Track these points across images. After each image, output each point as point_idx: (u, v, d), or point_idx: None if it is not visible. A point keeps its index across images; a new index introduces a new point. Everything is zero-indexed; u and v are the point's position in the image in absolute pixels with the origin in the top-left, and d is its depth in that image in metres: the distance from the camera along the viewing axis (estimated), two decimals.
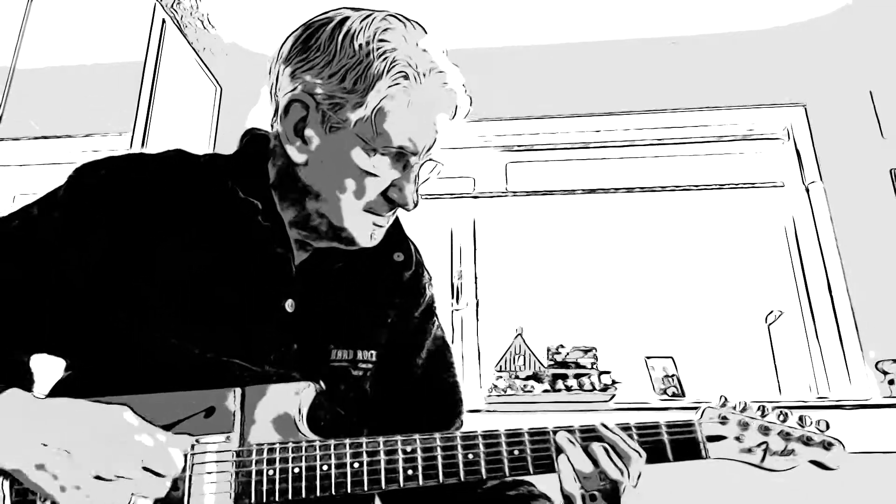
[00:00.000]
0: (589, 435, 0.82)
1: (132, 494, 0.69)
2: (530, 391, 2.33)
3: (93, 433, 0.69)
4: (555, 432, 0.82)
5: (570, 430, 0.82)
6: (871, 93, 2.62)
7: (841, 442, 0.85)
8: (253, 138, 0.95)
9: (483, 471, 0.79)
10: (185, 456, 0.76)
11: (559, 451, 0.81)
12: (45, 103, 2.26)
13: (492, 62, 2.80)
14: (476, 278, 2.72)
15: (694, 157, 2.84)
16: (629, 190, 2.81)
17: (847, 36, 2.65)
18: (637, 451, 0.81)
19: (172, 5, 2.54)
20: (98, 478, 0.68)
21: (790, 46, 2.71)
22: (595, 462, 0.80)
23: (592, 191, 2.82)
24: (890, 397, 2.22)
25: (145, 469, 0.70)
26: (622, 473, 0.79)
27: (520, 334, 2.45)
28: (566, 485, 0.80)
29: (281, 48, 0.89)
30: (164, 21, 2.47)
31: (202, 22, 2.68)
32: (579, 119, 2.82)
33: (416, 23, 0.88)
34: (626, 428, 0.84)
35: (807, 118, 2.68)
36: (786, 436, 0.85)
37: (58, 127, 2.30)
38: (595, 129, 2.84)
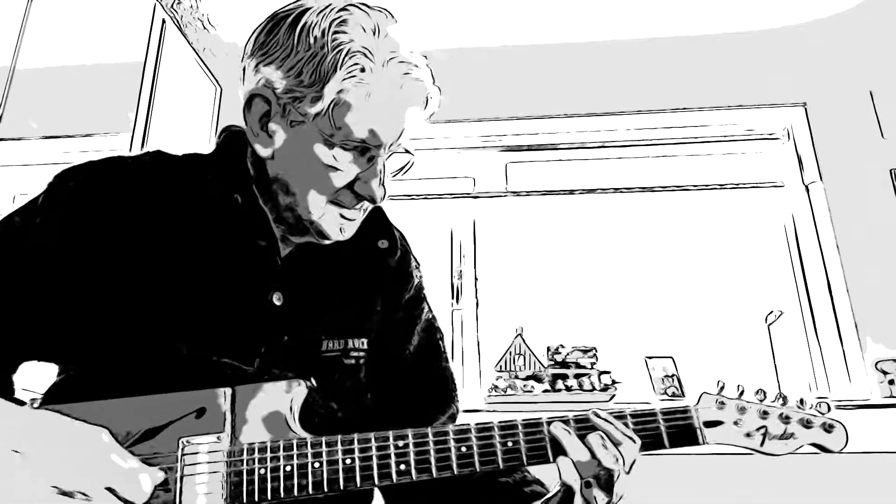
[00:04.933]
0: (583, 424, 0.82)
1: None
2: (530, 391, 2.33)
3: (63, 447, 0.69)
4: (549, 423, 0.81)
5: (564, 421, 0.82)
6: (871, 93, 2.62)
7: (843, 424, 0.83)
8: (230, 135, 0.95)
9: (476, 463, 0.79)
10: (177, 476, 0.75)
11: (557, 445, 0.80)
12: (45, 103, 2.26)
13: (492, 62, 2.80)
14: (476, 278, 2.72)
15: (694, 157, 2.84)
16: (629, 190, 2.81)
17: (847, 36, 2.65)
18: (631, 438, 0.80)
19: (172, 5, 2.54)
20: (59, 491, 0.67)
21: (790, 46, 2.71)
22: (591, 451, 0.79)
23: (592, 191, 2.82)
24: (890, 397, 2.22)
25: (109, 490, 0.69)
26: (616, 461, 0.78)
27: (520, 334, 2.45)
28: (566, 477, 0.79)
29: (247, 43, 0.89)
30: (164, 21, 2.48)
31: (202, 22, 2.68)
32: (579, 119, 2.82)
33: (383, 10, 0.86)
34: (620, 416, 0.83)
35: (807, 118, 2.68)
36: (785, 419, 0.83)
37: (58, 127, 2.29)
38: (595, 129, 2.83)
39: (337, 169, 0.83)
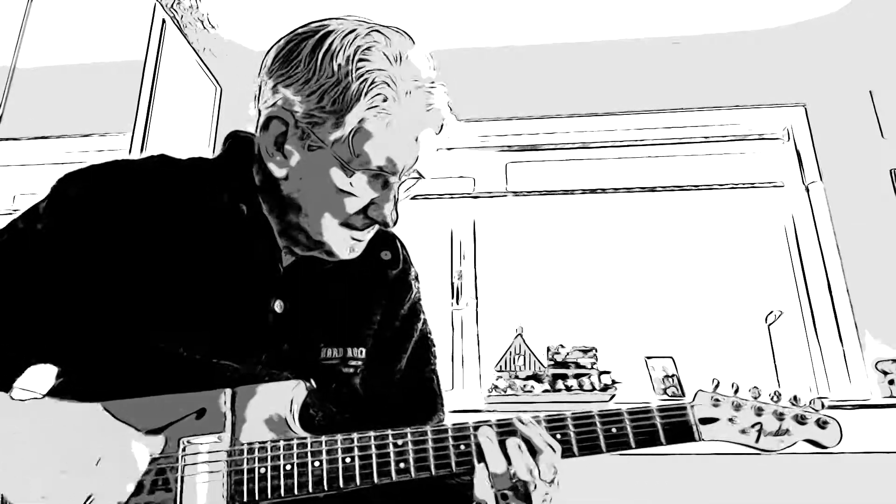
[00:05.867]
0: (505, 430, 0.81)
1: (90, 496, 0.69)
2: (530, 391, 2.33)
3: (58, 429, 0.70)
4: (476, 428, 0.80)
5: (490, 426, 0.80)
6: (871, 93, 2.62)
7: (837, 420, 0.84)
8: (236, 141, 0.95)
9: (475, 462, 0.79)
10: (178, 476, 0.75)
11: (479, 453, 0.79)
12: (45, 103, 2.26)
13: (492, 62, 2.80)
14: (476, 278, 2.72)
15: (694, 157, 2.84)
16: (629, 190, 2.81)
17: (847, 36, 2.65)
18: (550, 446, 0.79)
19: (172, 5, 2.54)
20: (52, 469, 0.68)
21: (790, 46, 2.71)
22: (508, 460, 0.78)
23: (592, 191, 2.82)
24: (890, 397, 2.22)
25: (102, 468, 0.70)
26: (531, 472, 0.77)
27: (520, 334, 2.45)
28: (479, 492, 0.78)
29: (265, 58, 0.88)
30: (164, 21, 2.48)
31: (202, 22, 2.68)
32: (579, 119, 2.82)
33: (404, 32, 0.86)
34: (559, 419, 0.82)
35: (807, 118, 2.68)
36: (779, 416, 0.84)
37: (58, 127, 2.30)
38: (595, 129, 2.84)
39: (351, 194, 0.84)
